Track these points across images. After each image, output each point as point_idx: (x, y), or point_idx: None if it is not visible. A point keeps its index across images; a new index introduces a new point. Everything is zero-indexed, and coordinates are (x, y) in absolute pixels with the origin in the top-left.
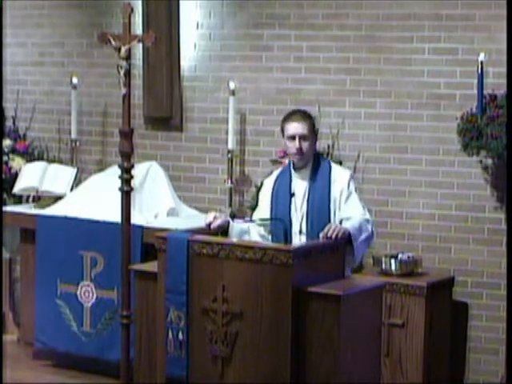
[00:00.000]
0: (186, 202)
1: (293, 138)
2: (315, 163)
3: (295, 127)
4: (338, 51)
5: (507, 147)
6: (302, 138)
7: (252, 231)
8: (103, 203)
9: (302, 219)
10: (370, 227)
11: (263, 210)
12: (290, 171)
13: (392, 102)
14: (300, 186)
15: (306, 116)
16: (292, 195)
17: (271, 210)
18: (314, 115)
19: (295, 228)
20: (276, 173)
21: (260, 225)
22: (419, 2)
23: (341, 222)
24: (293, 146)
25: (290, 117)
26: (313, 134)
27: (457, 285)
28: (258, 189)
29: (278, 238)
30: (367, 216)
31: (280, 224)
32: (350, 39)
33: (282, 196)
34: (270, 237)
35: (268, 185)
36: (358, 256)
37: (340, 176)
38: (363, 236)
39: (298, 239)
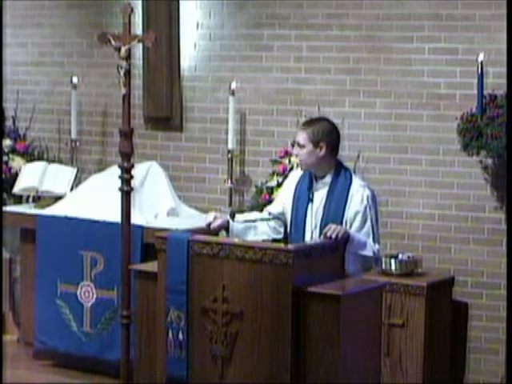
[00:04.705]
0: (186, 201)
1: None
2: (336, 174)
3: (297, 134)
4: (338, 51)
5: (507, 147)
6: (299, 145)
7: (259, 225)
8: (103, 203)
9: (315, 227)
10: (371, 252)
11: (283, 202)
12: (311, 177)
13: (392, 102)
14: (318, 194)
15: (310, 125)
16: (310, 200)
17: (292, 208)
18: (323, 126)
19: (307, 235)
20: (301, 172)
21: (267, 220)
22: (419, 1)
23: None
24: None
25: (302, 123)
26: (312, 143)
27: (457, 285)
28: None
29: (293, 237)
30: (376, 246)
31: (299, 226)
32: (350, 39)
33: (302, 199)
34: (281, 229)
35: (293, 179)
36: (349, 263)
37: (358, 196)
38: (363, 252)
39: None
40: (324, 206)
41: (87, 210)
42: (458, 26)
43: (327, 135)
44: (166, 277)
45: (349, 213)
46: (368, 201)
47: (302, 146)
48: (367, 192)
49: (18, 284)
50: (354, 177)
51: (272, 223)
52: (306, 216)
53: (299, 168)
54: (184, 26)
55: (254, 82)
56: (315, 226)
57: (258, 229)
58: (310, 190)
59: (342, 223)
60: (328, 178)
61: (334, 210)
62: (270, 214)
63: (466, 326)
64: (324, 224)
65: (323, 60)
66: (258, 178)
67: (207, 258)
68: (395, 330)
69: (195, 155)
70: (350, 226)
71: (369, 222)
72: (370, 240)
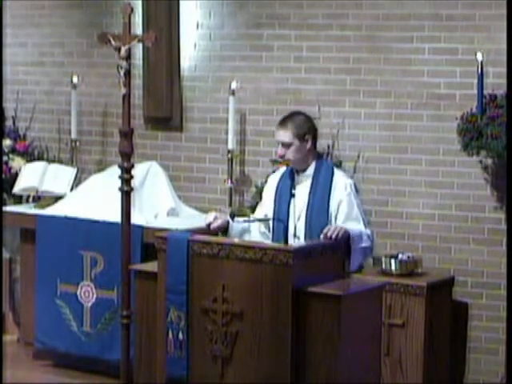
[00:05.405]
0: (186, 202)
1: (278, 144)
2: (317, 166)
3: (278, 134)
4: (338, 51)
5: (507, 147)
6: (284, 145)
7: (253, 229)
8: (103, 203)
9: (298, 221)
10: (369, 241)
11: (265, 206)
12: (293, 172)
13: (392, 102)
14: (301, 188)
15: (291, 122)
16: (292, 196)
17: (274, 207)
18: (306, 119)
19: (290, 230)
20: (281, 170)
21: (267, 220)
22: (419, 1)
23: None
24: (278, 152)
25: (279, 121)
26: (298, 139)
27: (457, 285)
28: (261, 186)
29: (278, 237)
30: (368, 231)
31: (281, 223)
32: (350, 39)
33: (284, 195)
34: (270, 234)
35: (273, 181)
36: (354, 260)
37: (340, 185)
38: (362, 244)
39: (293, 242)
40: (308, 198)
41: (87, 210)
42: (457, 26)
43: (309, 127)
44: (165, 277)
45: (334, 201)
46: (351, 188)
47: (287, 145)
48: (349, 180)
49: (18, 284)
50: (334, 167)
51: (262, 228)
52: (288, 211)
53: (276, 172)
54: (184, 26)
55: (254, 82)
56: (298, 219)
57: (251, 233)
58: (292, 184)
59: (327, 212)
60: (310, 170)
61: (319, 200)
62: (245, 221)
63: (466, 326)
64: (309, 215)
65: (323, 60)
66: (258, 178)
67: (207, 258)
68: (395, 330)
69: (195, 155)
70: (337, 215)
71: (356, 208)
72: (362, 226)
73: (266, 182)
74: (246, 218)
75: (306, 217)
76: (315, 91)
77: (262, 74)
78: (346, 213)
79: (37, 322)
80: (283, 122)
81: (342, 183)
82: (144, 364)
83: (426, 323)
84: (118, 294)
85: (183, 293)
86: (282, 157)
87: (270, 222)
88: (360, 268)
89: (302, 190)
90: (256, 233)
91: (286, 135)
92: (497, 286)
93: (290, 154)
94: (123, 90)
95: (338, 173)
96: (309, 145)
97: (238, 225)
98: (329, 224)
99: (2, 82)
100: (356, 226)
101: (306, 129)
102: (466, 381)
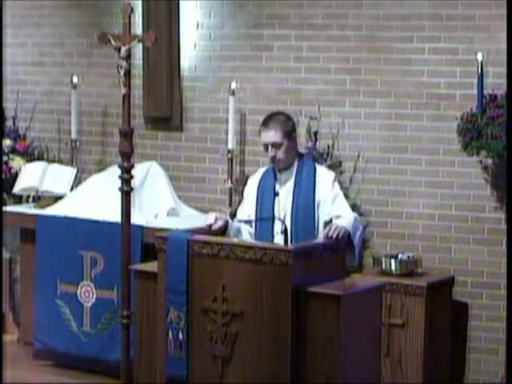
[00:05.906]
0: (186, 202)
1: (267, 146)
2: (300, 164)
3: (266, 136)
4: (338, 51)
5: (507, 147)
6: (275, 146)
7: (243, 230)
8: (103, 203)
9: (284, 219)
10: (360, 224)
11: (247, 207)
12: (275, 170)
13: (392, 101)
14: (284, 186)
15: (277, 122)
16: (276, 194)
17: (256, 207)
18: (287, 117)
19: (277, 228)
20: (262, 170)
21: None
22: (419, 1)
23: (330, 221)
24: (268, 154)
25: (263, 124)
26: (287, 138)
27: (457, 285)
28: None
29: (260, 236)
30: (355, 214)
31: (277, 223)
32: (350, 39)
33: (267, 195)
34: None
35: (253, 182)
36: (357, 254)
37: (324, 178)
38: (358, 233)
39: (280, 239)
40: (293, 195)
41: (87, 210)
42: (458, 25)
43: (292, 125)
44: (165, 277)
45: (319, 193)
46: (334, 179)
47: (278, 145)
48: (331, 173)
49: (18, 284)
50: (315, 163)
51: (252, 230)
52: (273, 210)
53: (257, 173)
54: (184, 26)
55: (253, 82)
56: (284, 217)
57: (242, 234)
58: (275, 184)
59: (313, 207)
60: (294, 168)
61: (304, 195)
62: (239, 221)
63: (466, 326)
64: (295, 211)
65: (323, 60)
66: None
67: (207, 258)
68: (395, 330)
69: (195, 155)
70: (323, 206)
71: (341, 196)
72: (348, 210)
73: (245, 183)
74: (245, 218)
75: (292, 214)
76: (315, 91)
77: (262, 74)
78: (331, 199)
79: (37, 322)
80: (269, 124)
81: (325, 176)
82: (144, 364)
83: (426, 323)
84: (118, 294)
85: (183, 293)
86: (274, 157)
87: (253, 223)
88: (360, 267)
89: (286, 188)
90: (246, 234)
91: (276, 136)
92: (497, 286)
93: (282, 154)
94: (123, 90)
95: (320, 167)
96: (295, 142)
97: (235, 225)
98: (316, 217)
99: (2, 81)
100: (344, 211)
101: (292, 126)
102: (466, 381)
